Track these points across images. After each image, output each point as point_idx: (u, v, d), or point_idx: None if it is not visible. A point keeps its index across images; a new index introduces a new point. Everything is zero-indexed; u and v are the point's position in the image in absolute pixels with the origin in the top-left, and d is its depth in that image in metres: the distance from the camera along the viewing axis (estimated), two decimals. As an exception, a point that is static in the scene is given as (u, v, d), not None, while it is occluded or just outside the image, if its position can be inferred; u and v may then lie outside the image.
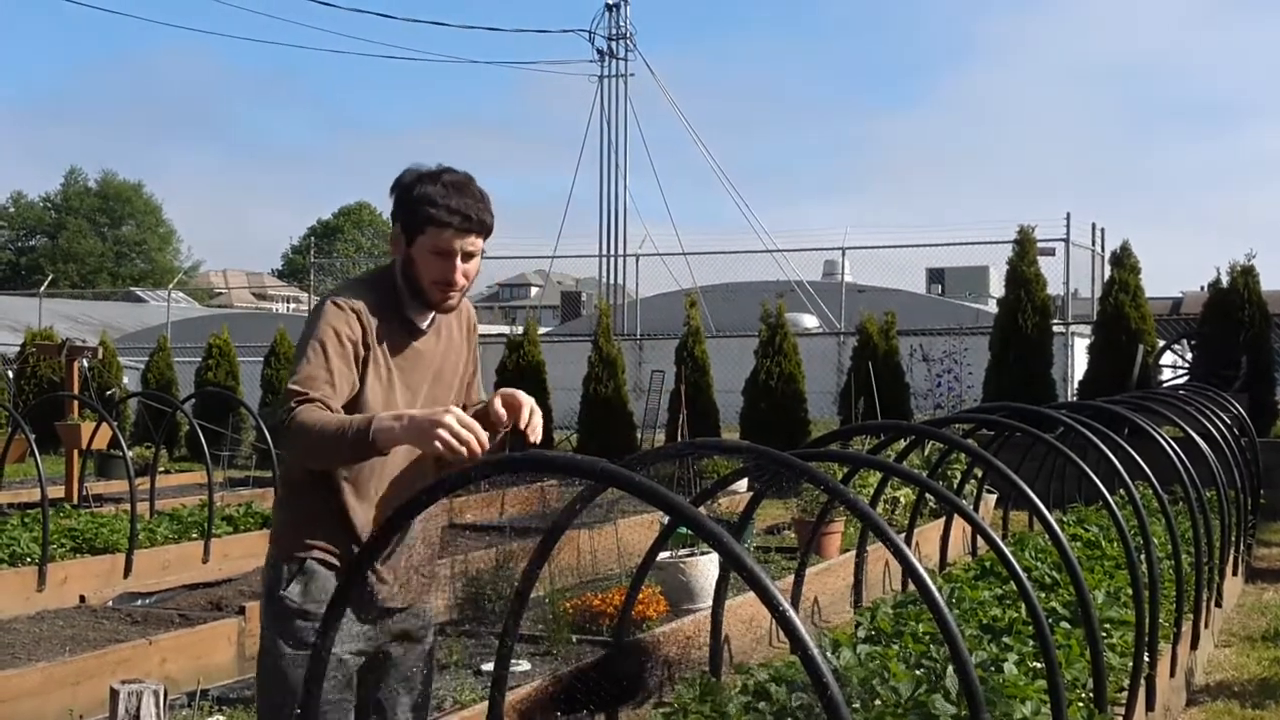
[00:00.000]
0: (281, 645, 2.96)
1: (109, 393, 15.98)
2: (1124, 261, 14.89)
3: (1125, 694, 4.57)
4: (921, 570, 2.79)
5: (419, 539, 3.10)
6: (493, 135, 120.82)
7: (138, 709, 3.34)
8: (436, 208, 2.89)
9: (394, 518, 2.63)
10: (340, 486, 2.96)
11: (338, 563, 2.98)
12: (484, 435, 2.63)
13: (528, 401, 2.87)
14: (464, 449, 2.59)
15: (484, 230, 2.96)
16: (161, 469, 11.71)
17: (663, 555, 6.58)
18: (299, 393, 2.80)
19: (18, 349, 20.73)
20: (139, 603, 7.23)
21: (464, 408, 3.07)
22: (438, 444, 2.58)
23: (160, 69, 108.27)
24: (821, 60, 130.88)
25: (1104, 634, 4.79)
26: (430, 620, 3.23)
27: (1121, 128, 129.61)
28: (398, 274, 3.01)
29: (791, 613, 1.98)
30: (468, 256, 2.95)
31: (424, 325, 3.05)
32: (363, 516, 2.98)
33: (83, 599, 7.30)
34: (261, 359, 19.06)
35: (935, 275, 29.05)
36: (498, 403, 2.85)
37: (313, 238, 63.13)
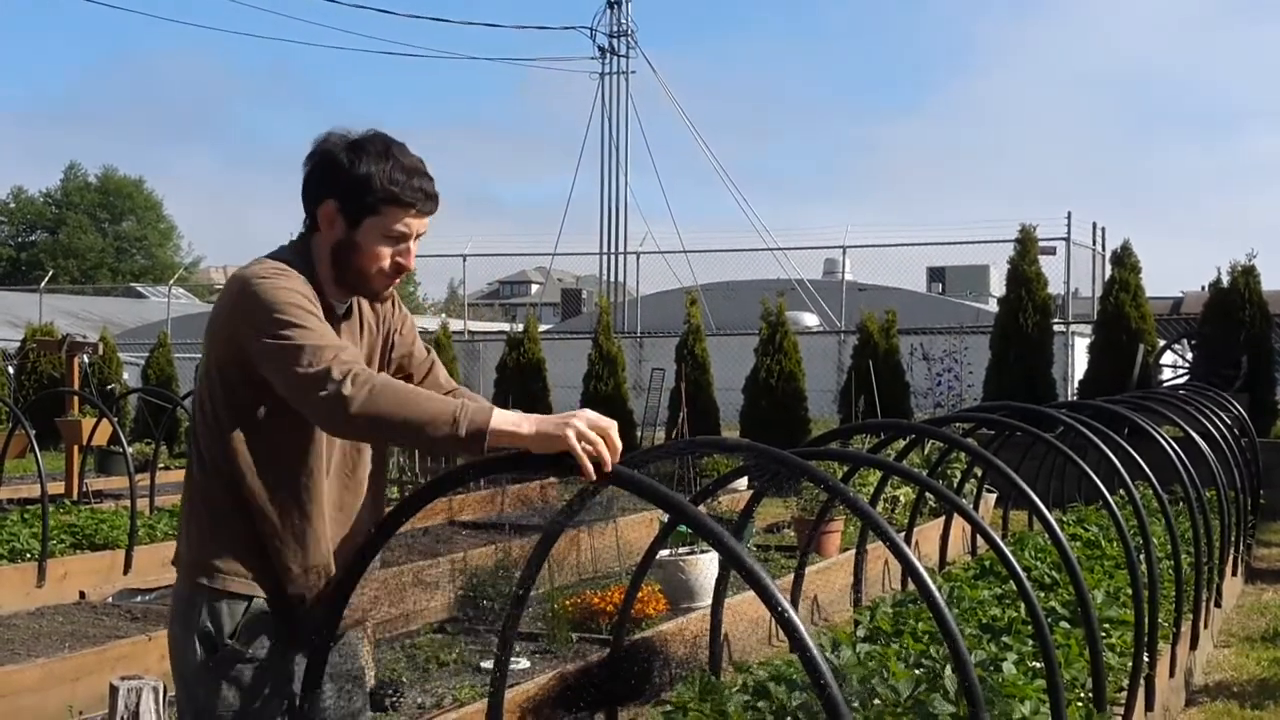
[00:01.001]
0: (227, 697, 2.55)
1: (109, 388, 15.97)
2: (1125, 261, 14.90)
3: (1124, 694, 4.57)
4: (921, 569, 2.79)
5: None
6: (494, 132, 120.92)
7: (137, 705, 3.34)
8: (399, 186, 2.54)
9: (384, 526, 2.52)
10: (286, 509, 2.56)
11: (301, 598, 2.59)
12: (617, 442, 2.29)
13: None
14: (597, 454, 2.24)
15: (437, 209, 2.64)
16: (162, 465, 11.69)
17: (662, 553, 6.59)
18: (335, 347, 2.37)
19: (18, 344, 20.73)
20: (139, 599, 7.22)
21: None
22: (566, 450, 2.24)
23: (161, 67, 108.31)
24: (823, 60, 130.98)
25: (1103, 634, 4.80)
26: (357, 649, 2.85)
27: (1122, 130, 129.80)
28: (321, 257, 2.60)
29: (791, 612, 1.99)
30: (417, 239, 2.63)
31: (341, 312, 2.66)
32: (320, 540, 2.60)
33: (82, 595, 7.31)
34: (262, 355, 19.02)
35: (936, 274, 29.09)
36: None
37: (313, 234, 63.07)
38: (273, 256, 2.61)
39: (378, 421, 2.30)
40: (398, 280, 2.65)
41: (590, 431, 2.25)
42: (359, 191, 2.53)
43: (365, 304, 2.73)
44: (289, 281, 2.49)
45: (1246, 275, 14.41)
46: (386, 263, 2.59)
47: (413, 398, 2.32)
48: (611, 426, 2.29)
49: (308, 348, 2.35)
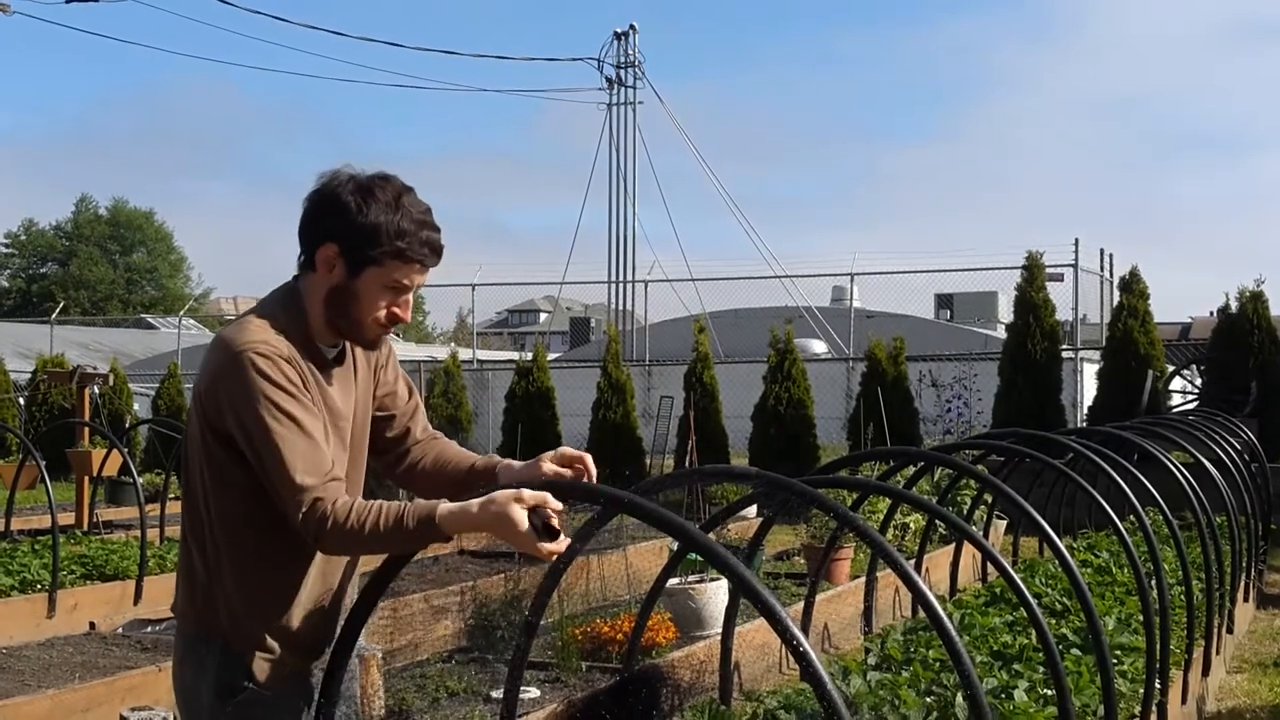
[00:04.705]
0: None
1: (128, 429, 15.99)
2: (1132, 287, 14.92)
3: (1137, 721, 4.56)
4: (931, 597, 2.79)
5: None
6: (503, 161, 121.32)
7: (148, 736, 3.35)
8: (407, 240, 2.45)
9: (390, 565, 2.55)
10: (304, 559, 2.56)
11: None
12: (557, 504, 2.38)
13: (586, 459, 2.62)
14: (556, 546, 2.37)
15: (440, 262, 2.57)
16: (172, 495, 11.68)
17: (672, 581, 6.58)
18: (308, 487, 2.36)
19: (29, 376, 20.82)
20: (149, 630, 7.23)
21: (412, 447, 2.76)
22: (529, 531, 2.33)
23: (173, 99, 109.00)
24: (832, 88, 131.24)
25: (1115, 660, 4.78)
26: None
27: (1131, 156, 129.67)
28: (315, 300, 2.51)
29: (805, 643, 1.99)
30: (416, 289, 2.56)
31: (331, 357, 2.57)
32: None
33: (93, 626, 7.31)
34: (271, 385, 19.08)
35: (944, 301, 29.11)
36: (549, 468, 2.61)
37: (322, 264, 63.30)
38: (262, 313, 2.51)
39: (353, 551, 2.50)
40: (392, 330, 2.59)
41: (536, 505, 2.34)
42: (364, 241, 2.44)
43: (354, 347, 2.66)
44: (276, 369, 2.40)
45: (1255, 301, 14.43)
46: (383, 314, 2.51)
47: (365, 524, 2.34)
48: (546, 498, 2.37)
49: (291, 476, 2.36)
